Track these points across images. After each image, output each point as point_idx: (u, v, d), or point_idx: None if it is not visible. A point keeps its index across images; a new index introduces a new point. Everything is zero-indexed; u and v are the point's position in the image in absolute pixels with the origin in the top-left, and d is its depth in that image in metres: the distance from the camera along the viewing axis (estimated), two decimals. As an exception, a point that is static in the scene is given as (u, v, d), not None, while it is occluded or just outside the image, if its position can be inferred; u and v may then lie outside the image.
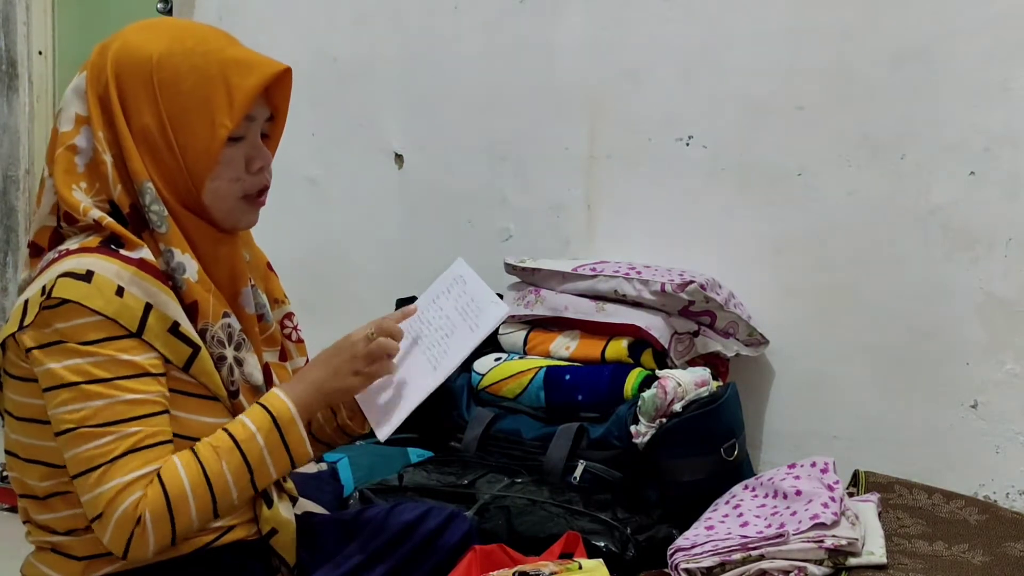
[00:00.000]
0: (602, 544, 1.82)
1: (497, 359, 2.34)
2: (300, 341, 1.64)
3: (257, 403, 1.42)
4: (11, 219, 3.69)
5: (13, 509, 1.55)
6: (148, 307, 1.34)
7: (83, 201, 1.37)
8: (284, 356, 1.58)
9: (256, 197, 1.49)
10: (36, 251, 1.43)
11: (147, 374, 1.33)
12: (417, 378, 1.55)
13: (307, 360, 1.59)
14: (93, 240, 1.36)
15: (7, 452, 1.43)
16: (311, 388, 1.44)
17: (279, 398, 1.42)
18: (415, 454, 2.30)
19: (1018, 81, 2.13)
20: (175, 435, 1.36)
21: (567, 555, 1.71)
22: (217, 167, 1.40)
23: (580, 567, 1.56)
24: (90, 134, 1.39)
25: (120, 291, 1.32)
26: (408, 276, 2.78)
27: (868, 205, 2.28)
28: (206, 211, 1.42)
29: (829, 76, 2.31)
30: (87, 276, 1.31)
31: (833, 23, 2.29)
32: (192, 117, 1.38)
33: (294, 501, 1.58)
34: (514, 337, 2.38)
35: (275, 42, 3.05)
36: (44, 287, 1.32)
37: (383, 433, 1.53)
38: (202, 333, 1.40)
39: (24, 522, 1.46)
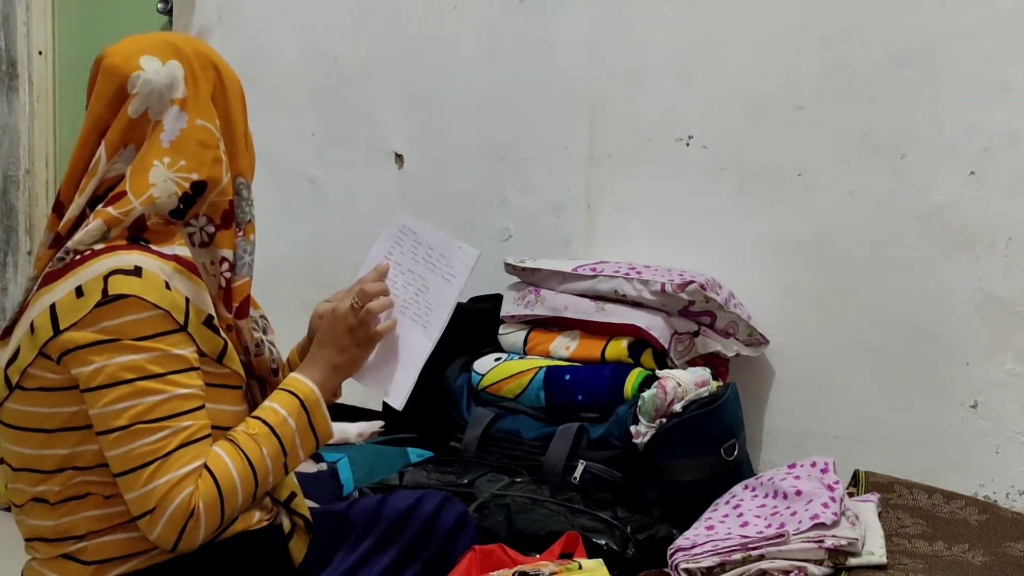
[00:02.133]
0: (603, 542, 1.82)
1: (497, 359, 2.34)
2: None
3: (281, 388, 1.47)
4: (11, 219, 3.69)
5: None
6: (187, 300, 1.37)
7: (157, 184, 1.39)
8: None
9: None
10: (55, 242, 1.42)
11: (193, 368, 1.37)
12: (411, 341, 1.57)
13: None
14: (118, 236, 1.38)
15: (7, 464, 1.43)
16: (326, 367, 1.51)
17: (302, 382, 1.48)
18: (415, 454, 2.30)
19: (1018, 81, 2.13)
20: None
21: (567, 555, 1.71)
22: None
23: (580, 567, 1.56)
24: (185, 118, 1.41)
25: (167, 285, 1.35)
26: (408, 276, 2.79)
27: (868, 205, 2.28)
28: None
29: (829, 76, 2.31)
30: (136, 271, 1.33)
31: (833, 23, 2.29)
32: (248, 138, 1.53)
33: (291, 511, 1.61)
34: (514, 337, 2.38)
35: (275, 42, 3.06)
36: (80, 287, 1.33)
37: (398, 402, 1.56)
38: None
39: (28, 540, 1.45)
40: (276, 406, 1.45)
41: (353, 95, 2.94)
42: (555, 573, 1.53)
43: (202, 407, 1.37)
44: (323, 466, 2.18)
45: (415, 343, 1.57)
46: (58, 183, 3.74)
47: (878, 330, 2.29)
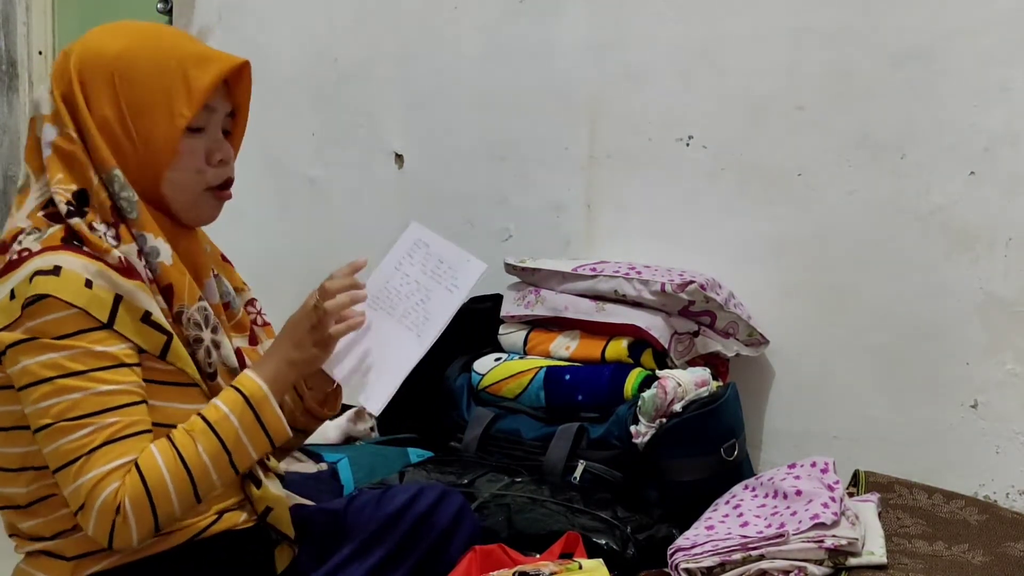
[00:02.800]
0: (603, 542, 1.82)
1: (497, 359, 2.34)
2: (266, 324, 1.67)
3: (229, 385, 1.44)
4: (11, 219, 3.69)
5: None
6: (118, 298, 1.35)
7: (56, 198, 1.39)
8: (253, 340, 1.61)
9: (219, 190, 1.49)
10: (2, 248, 1.42)
11: (122, 364, 1.35)
12: (400, 348, 1.56)
13: None
14: (54, 237, 1.38)
15: None
16: (280, 363, 1.45)
17: (249, 377, 1.43)
18: (415, 454, 2.30)
19: (1018, 81, 2.13)
20: (156, 424, 1.38)
21: (567, 555, 1.71)
22: (177, 157, 1.42)
23: (580, 567, 1.56)
24: (56, 129, 1.41)
25: (88, 283, 1.34)
26: (408, 276, 2.78)
27: (868, 205, 2.28)
28: (166, 204, 1.45)
29: (829, 76, 2.31)
30: (55, 271, 1.33)
31: (833, 23, 2.29)
32: (151, 108, 1.41)
33: (281, 479, 1.60)
34: (514, 337, 2.38)
35: (275, 42, 3.06)
36: (12, 290, 1.34)
37: (375, 407, 1.54)
38: (178, 316, 1.42)
39: (10, 535, 1.46)
40: (219, 403, 1.41)
41: (353, 95, 2.94)
42: (555, 573, 1.53)
43: (134, 404, 1.35)
44: (323, 466, 2.18)
45: (405, 351, 1.56)
46: (58, 183, 3.75)
47: (878, 330, 2.29)
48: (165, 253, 1.42)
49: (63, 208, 1.38)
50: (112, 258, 1.37)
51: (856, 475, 2.10)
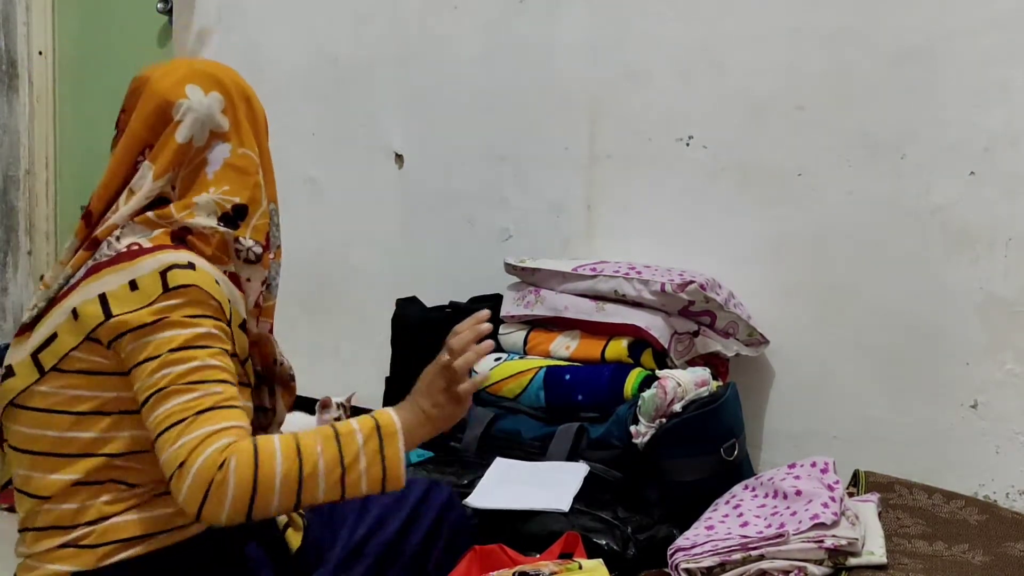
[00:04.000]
0: (603, 542, 1.82)
1: (497, 359, 2.34)
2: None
3: (369, 414, 1.46)
4: (11, 219, 3.69)
5: (12, 509, 1.54)
6: (230, 302, 1.45)
7: (200, 201, 1.47)
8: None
9: None
10: (91, 245, 1.47)
11: (232, 354, 1.43)
12: (525, 494, 1.94)
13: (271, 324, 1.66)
14: (163, 236, 1.44)
15: (23, 451, 1.44)
16: (418, 414, 1.47)
17: (387, 413, 1.45)
18: (415, 454, 2.29)
19: (1018, 81, 2.13)
20: None
21: (567, 555, 1.71)
22: None
23: (580, 567, 1.56)
24: (227, 148, 1.51)
25: (217, 281, 1.43)
26: (408, 276, 2.79)
27: (868, 205, 2.28)
28: None
29: (829, 76, 2.31)
30: (191, 266, 1.40)
31: (833, 23, 2.29)
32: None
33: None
34: (514, 337, 2.38)
35: (275, 42, 3.06)
36: (134, 281, 1.37)
37: (474, 500, 1.89)
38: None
39: (24, 529, 1.46)
40: (351, 421, 1.42)
41: (353, 95, 2.94)
42: (555, 573, 1.53)
43: (235, 386, 1.40)
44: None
45: (524, 498, 1.92)
46: (58, 183, 3.76)
47: (878, 330, 2.29)
48: (275, 288, 1.58)
49: (216, 213, 1.46)
50: (223, 265, 1.48)
51: (856, 475, 2.10)
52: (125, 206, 1.47)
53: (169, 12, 3.34)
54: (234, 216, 1.48)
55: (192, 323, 1.37)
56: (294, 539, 1.58)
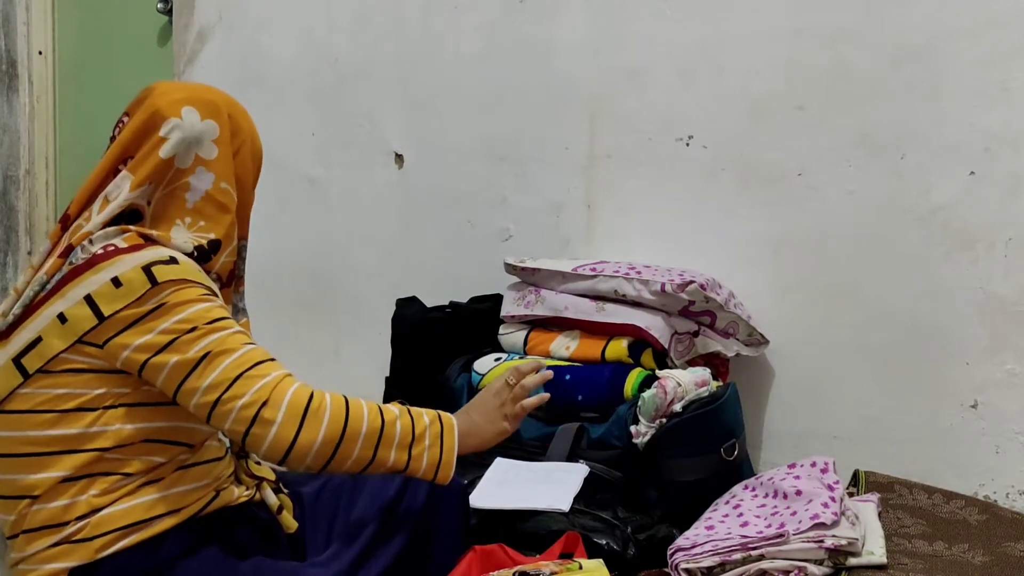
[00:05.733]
0: (603, 542, 1.82)
1: (497, 359, 2.33)
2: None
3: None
4: (11, 219, 3.69)
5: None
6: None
7: (176, 235, 1.49)
8: None
9: None
10: (65, 252, 1.48)
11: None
12: (525, 494, 1.92)
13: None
14: (134, 237, 1.47)
15: (2, 456, 1.44)
16: (470, 423, 1.58)
17: (447, 414, 1.57)
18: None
19: (1018, 81, 2.13)
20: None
21: (567, 555, 1.71)
22: None
23: (580, 567, 1.56)
24: (210, 179, 1.52)
25: (199, 271, 1.47)
26: (408, 276, 2.79)
27: (868, 205, 2.28)
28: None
29: (829, 76, 2.31)
30: (173, 260, 1.44)
31: (833, 23, 2.29)
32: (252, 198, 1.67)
33: (275, 489, 1.64)
34: (514, 337, 2.38)
35: (275, 42, 3.06)
36: (117, 278, 1.40)
37: (475, 499, 1.86)
38: None
39: (16, 535, 1.45)
40: (420, 410, 1.53)
41: (353, 95, 2.94)
42: (555, 573, 1.53)
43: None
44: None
45: (528, 498, 1.91)
46: (58, 183, 3.76)
47: (878, 330, 2.29)
48: (244, 311, 1.62)
49: (187, 248, 1.48)
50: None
51: (856, 475, 2.10)
52: (98, 214, 1.48)
53: (169, 12, 3.35)
54: (208, 251, 1.51)
55: (201, 299, 1.42)
56: (289, 521, 1.60)
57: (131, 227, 1.48)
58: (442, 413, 1.54)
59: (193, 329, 1.39)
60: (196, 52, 3.20)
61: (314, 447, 1.39)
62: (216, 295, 1.47)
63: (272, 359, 1.43)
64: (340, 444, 1.40)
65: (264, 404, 1.37)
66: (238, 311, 1.63)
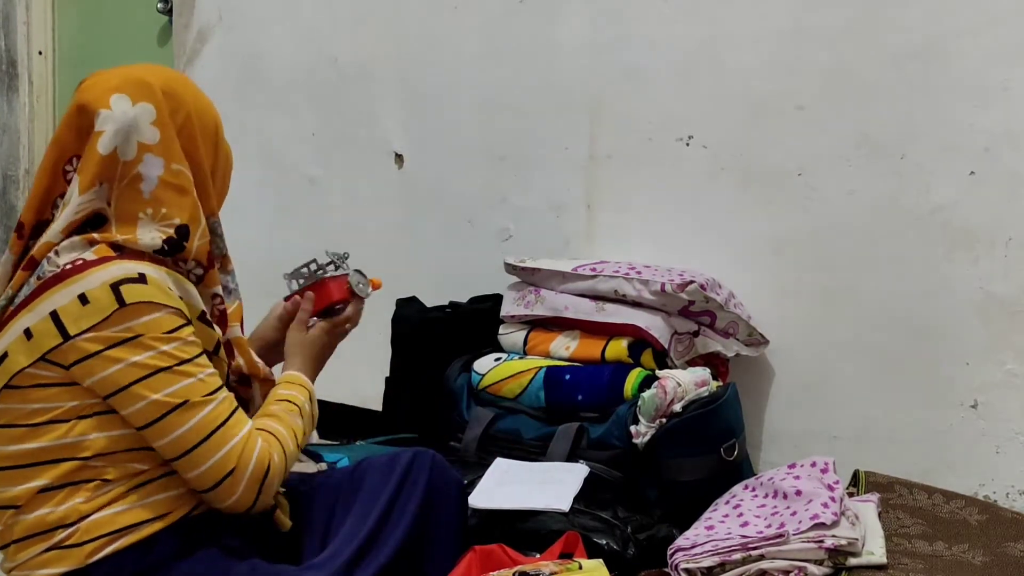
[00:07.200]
0: (603, 542, 1.82)
1: (497, 359, 2.33)
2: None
3: (290, 381, 1.64)
4: (11, 219, 3.69)
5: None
6: (181, 299, 1.45)
7: (142, 232, 1.45)
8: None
9: None
10: (30, 264, 1.45)
11: (208, 353, 1.48)
12: (525, 494, 1.93)
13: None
14: (103, 249, 1.43)
15: None
16: (311, 365, 1.71)
17: (301, 377, 1.66)
18: (414, 454, 2.29)
19: (1018, 81, 2.13)
20: None
21: (567, 555, 1.71)
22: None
23: (580, 567, 1.56)
24: (160, 163, 1.46)
25: (170, 287, 1.44)
26: (408, 276, 2.79)
27: (868, 205, 2.28)
28: None
29: (829, 76, 2.31)
30: (142, 278, 1.40)
31: (833, 23, 2.29)
32: (227, 172, 1.63)
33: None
34: (514, 337, 2.38)
35: (275, 42, 3.06)
36: (84, 295, 1.37)
37: (475, 499, 1.88)
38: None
39: (6, 545, 1.45)
40: (292, 390, 1.62)
41: (353, 95, 2.94)
42: (555, 573, 1.53)
43: (223, 383, 1.49)
44: (323, 466, 2.19)
45: (526, 498, 1.92)
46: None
47: (878, 330, 2.29)
48: (237, 290, 1.62)
49: (156, 244, 1.45)
50: (168, 262, 1.48)
51: (856, 475, 2.10)
52: (56, 222, 1.44)
53: (169, 12, 3.35)
54: (178, 239, 1.47)
55: (168, 338, 1.40)
56: (284, 521, 1.60)
57: (96, 235, 1.43)
58: (306, 384, 1.66)
59: (162, 370, 1.39)
60: (196, 52, 3.20)
61: (269, 503, 1.52)
62: (183, 317, 1.43)
63: (236, 411, 1.46)
64: (280, 483, 1.53)
65: (228, 475, 1.44)
66: (230, 292, 1.60)
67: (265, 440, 1.48)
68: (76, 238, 1.43)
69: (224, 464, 1.42)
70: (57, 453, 1.40)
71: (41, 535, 1.42)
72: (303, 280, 1.78)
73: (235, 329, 1.59)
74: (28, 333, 1.38)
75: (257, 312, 1.79)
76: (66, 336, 1.37)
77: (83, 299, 1.37)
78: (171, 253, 1.47)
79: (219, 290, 1.55)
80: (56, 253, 1.42)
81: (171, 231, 1.46)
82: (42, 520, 1.41)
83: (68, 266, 1.40)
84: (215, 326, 1.52)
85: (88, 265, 1.40)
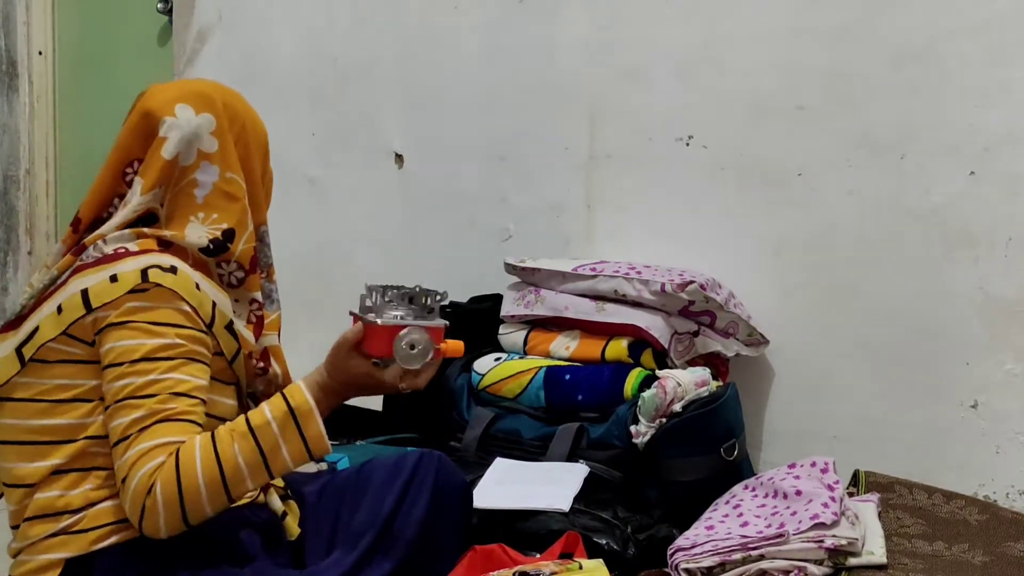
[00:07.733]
0: (603, 542, 1.82)
1: (497, 359, 2.33)
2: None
3: (280, 393, 1.50)
4: (11, 219, 3.69)
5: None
6: (214, 304, 1.48)
7: (191, 231, 1.51)
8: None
9: None
10: (78, 249, 1.51)
11: (202, 362, 1.45)
12: (525, 494, 1.93)
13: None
14: (149, 242, 1.48)
15: (7, 443, 1.46)
16: (332, 394, 1.53)
17: (300, 391, 1.49)
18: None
19: (1018, 81, 2.13)
20: (208, 415, 1.45)
21: (567, 555, 1.71)
22: None
23: (580, 567, 1.56)
24: (215, 171, 1.54)
25: (198, 286, 1.46)
26: (408, 276, 2.78)
27: (868, 205, 2.28)
28: None
29: (829, 76, 2.31)
30: (173, 269, 1.44)
31: (833, 23, 2.29)
32: (271, 190, 1.71)
33: (283, 496, 1.63)
34: (514, 337, 2.38)
35: (275, 42, 3.06)
36: (116, 275, 1.41)
37: (475, 499, 1.76)
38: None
39: (18, 525, 1.46)
40: (265, 408, 1.46)
41: (353, 95, 2.94)
42: (555, 573, 1.53)
43: (198, 400, 1.42)
44: (323, 466, 2.18)
45: (527, 498, 1.92)
46: (58, 183, 3.76)
47: (878, 330, 2.29)
48: (279, 301, 1.64)
49: (203, 243, 1.50)
50: (211, 263, 1.52)
51: (856, 475, 2.10)
52: (113, 219, 1.51)
53: (169, 12, 3.35)
54: (223, 240, 1.52)
55: (156, 332, 1.40)
56: (293, 526, 1.59)
57: (147, 230, 1.49)
58: (294, 398, 1.47)
59: (134, 361, 1.38)
60: (196, 52, 3.20)
61: (160, 534, 1.38)
62: (195, 321, 1.43)
63: (165, 420, 1.37)
64: (185, 516, 1.38)
65: (122, 482, 1.37)
66: (272, 301, 1.64)
67: (159, 472, 1.35)
68: (126, 231, 1.49)
69: (122, 470, 1.37)
70: (74, 432, 1.43)
71: (49, 517, 1.43)
72: (362, 310, 1.55)
73: (272, 338, 1.62)
74: (59, 309, 1.43)
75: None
76: (88, 309, 1.41)
77: (112, 278, 1.41)
78: (215, 253, 1.52)
79: (258, 295, 1.58)
80: (104, 242, 1.48)
81: (218, 233, 1.52)
82: (51, 503, 1.43)
83: (110, 252, 1.46)
84: (246, 334, 1.54)
85: (129, 254, 1.45)
